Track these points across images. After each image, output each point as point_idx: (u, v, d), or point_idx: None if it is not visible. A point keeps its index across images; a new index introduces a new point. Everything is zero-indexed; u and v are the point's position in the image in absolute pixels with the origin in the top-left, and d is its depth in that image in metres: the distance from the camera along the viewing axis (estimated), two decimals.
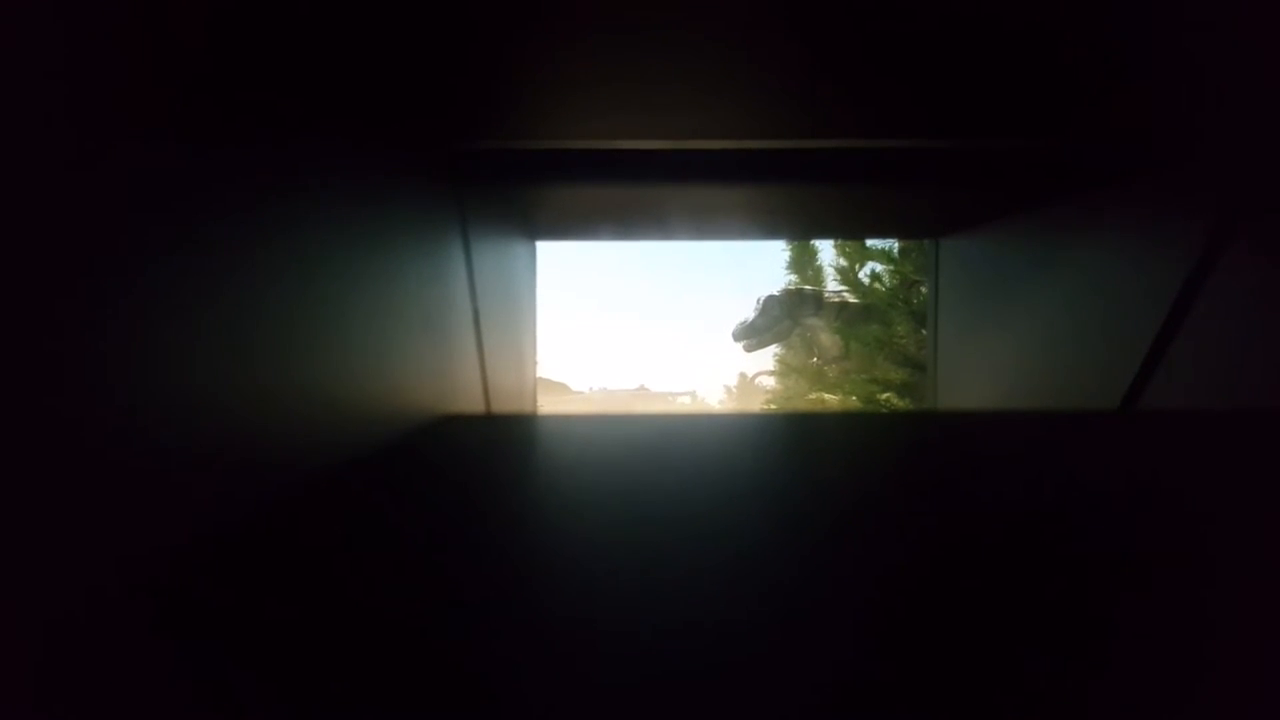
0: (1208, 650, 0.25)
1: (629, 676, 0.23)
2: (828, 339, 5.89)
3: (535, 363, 1.83)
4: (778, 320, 6.45)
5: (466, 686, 0.23)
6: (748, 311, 6.97)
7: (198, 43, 0.37)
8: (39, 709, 0.22)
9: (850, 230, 2.80)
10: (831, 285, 6.15)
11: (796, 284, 6.48)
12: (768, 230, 1.87)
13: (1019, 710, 0.21)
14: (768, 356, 6.82)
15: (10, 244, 0.25)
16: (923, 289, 4.44)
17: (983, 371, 1.68)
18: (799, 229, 2.27)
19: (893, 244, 4.96)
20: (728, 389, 11.45)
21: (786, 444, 0.70)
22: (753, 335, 6.80)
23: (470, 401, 1.09)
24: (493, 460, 0.62)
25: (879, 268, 5.21)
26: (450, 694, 0.22)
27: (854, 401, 5.01)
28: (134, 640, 0.26)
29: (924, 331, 4.03)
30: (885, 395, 4.79)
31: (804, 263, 6.52)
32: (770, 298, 6.60)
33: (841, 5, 0.61)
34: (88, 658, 0.25)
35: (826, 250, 6.95)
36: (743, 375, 11.19)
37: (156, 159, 0.34)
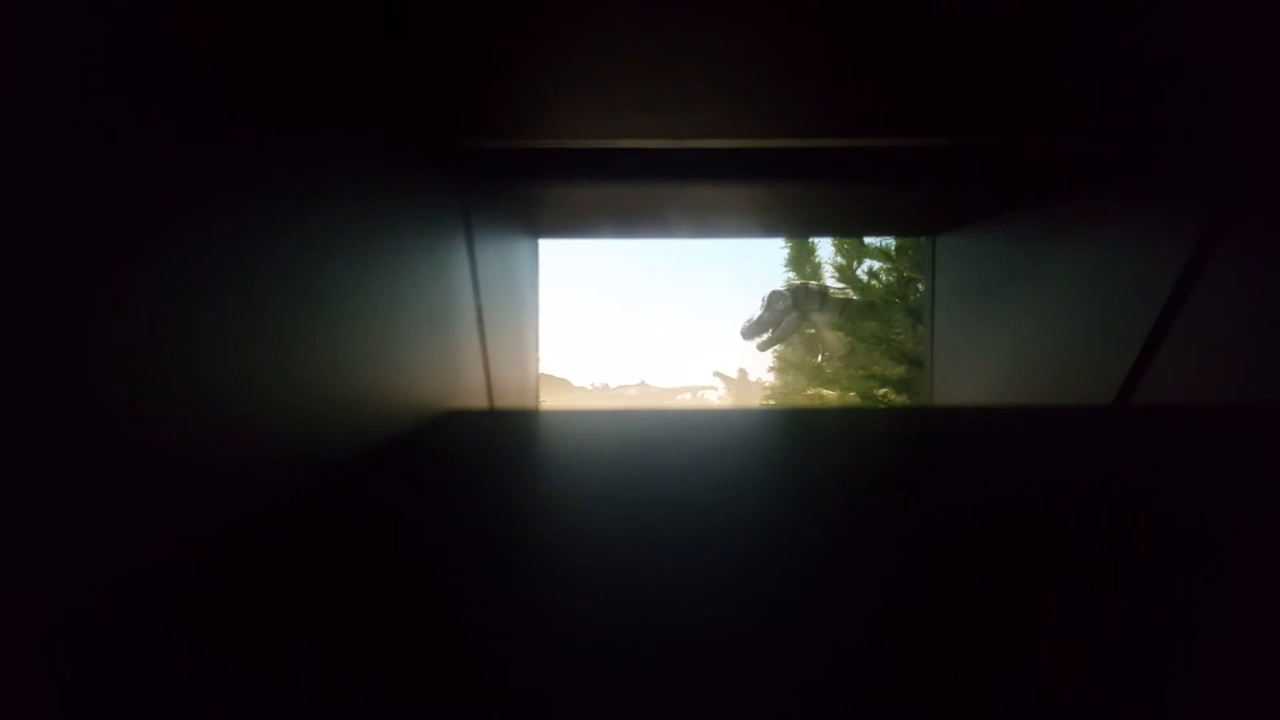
0: (1202, 643, 0.25)
1: (630, 668, 0.23)
2: (833, 336, 5.87)
3: (537, 359, 1.84)
4: (784, 314, 6.43)
5: (469, 679, 0.23)
6: (752, 309, 6.93)
7: (205, 40, 0.38)
8: (47, 705, 0.22)
9: (848, 227, 2.81)
10: (830, 282, 6.14)
11: (799, 280, 6.48)
12: (767, 228, 1.88)
13: (1015, 704, 0.21)
14: (768, 353, 6.80)
15: (16, 239, 0.25)
16: (920, 286, 4.44)
17: (979, 367, 1.69)
18: (798, 226, 2.27)
19: (890, 241, 4.97)
20: (728, 385, 11.45)
21: (786, 440, 0.71)
22: (761, 331, 6.76)
23: (473, 397, 1.10)
24: (496, 455, 0.63)
25: (876, 265, 5.22)
26: (453, 686, 0.23)
27: (852, 397, 5.02)
28: (143, 637, 0.26)
29: (921, 328, 4.04)
30: (883, 391, 4.80)
31: (802, 260, 6.52)
32: (776, 293, 6.58)
33: (841, 5, 0.62)
34: (95, 655, 0.25)
35: (825, 247, 6.93)
36: (742, 371, 11.20)
37: (163, 155, 0.34)
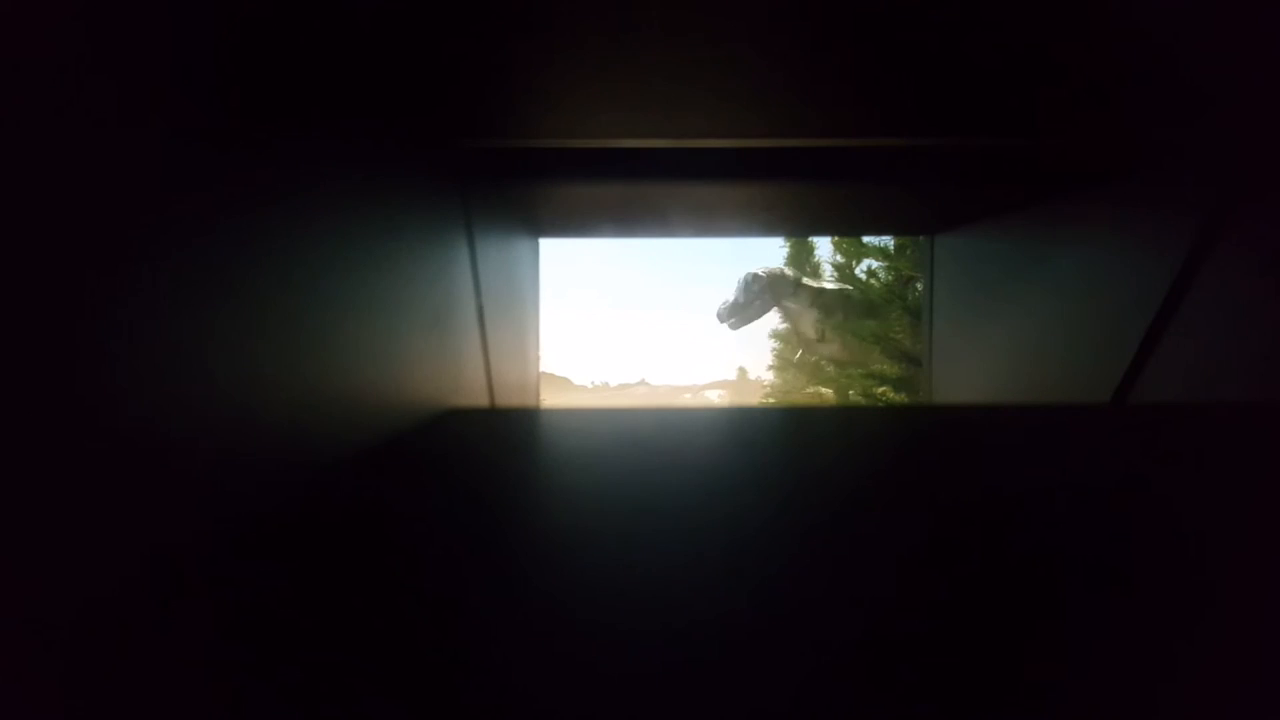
0: (1196, 640, 0.25)
1: (630, 665, 0.24)
2: (806, 324, 5.98)
3: (538, 357, 1.84)
4: (757, 295, 6.54)
5: (470, 678, 0.23)
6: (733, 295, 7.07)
7: (209, 43, 0.38)
8: (47, 705, 0.22)
9: (847, 227, 2.82)
10: (830, 282, 6.17)
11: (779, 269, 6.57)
12: (767, 227, 1.88)
13: (1013, 703, 0.22)
14: (767, 353, 6.87)
15: (20, 241, 0.25)
16: (918, 285, 4.45)
17: (977, 366, 1.70)
18: (797, 225, 2.28)
19: (889, 241, 4.98)
20: (728, 384, 11.48)
21: (785, 438, 0.72)
22: (735, 314, 6.89)
23: (475, 396, 1.10)
24: (497, 453, 0.64)
25: (875, 264, 5.24)
26: (454, 685, 0.23)
27: (852, 396, 5.03)
28: (144, 635, 0.26)
29: (920, 326, 4.04)
30: (882, 389, 4.81)
31: (802, 258, 6.55)
32: (751, 275, 6.69)
33: (841, 6, 0.62)
34: (96, 654, 0.25)
35: (824, 246, 6.97)
36: (741, 370, 11.23)
37: (167, 157, 0.34)
